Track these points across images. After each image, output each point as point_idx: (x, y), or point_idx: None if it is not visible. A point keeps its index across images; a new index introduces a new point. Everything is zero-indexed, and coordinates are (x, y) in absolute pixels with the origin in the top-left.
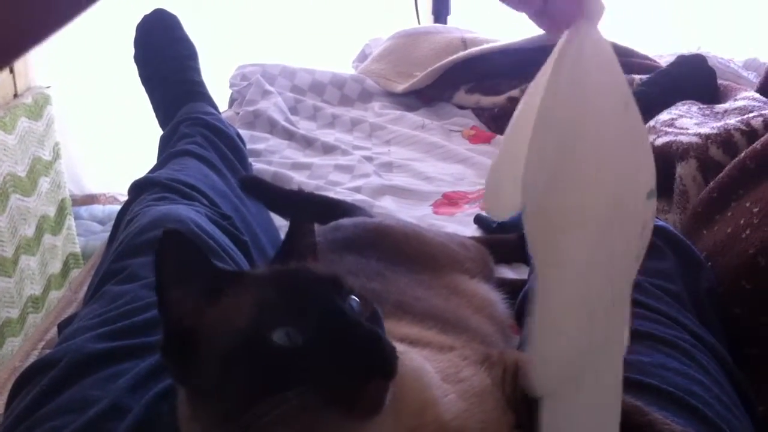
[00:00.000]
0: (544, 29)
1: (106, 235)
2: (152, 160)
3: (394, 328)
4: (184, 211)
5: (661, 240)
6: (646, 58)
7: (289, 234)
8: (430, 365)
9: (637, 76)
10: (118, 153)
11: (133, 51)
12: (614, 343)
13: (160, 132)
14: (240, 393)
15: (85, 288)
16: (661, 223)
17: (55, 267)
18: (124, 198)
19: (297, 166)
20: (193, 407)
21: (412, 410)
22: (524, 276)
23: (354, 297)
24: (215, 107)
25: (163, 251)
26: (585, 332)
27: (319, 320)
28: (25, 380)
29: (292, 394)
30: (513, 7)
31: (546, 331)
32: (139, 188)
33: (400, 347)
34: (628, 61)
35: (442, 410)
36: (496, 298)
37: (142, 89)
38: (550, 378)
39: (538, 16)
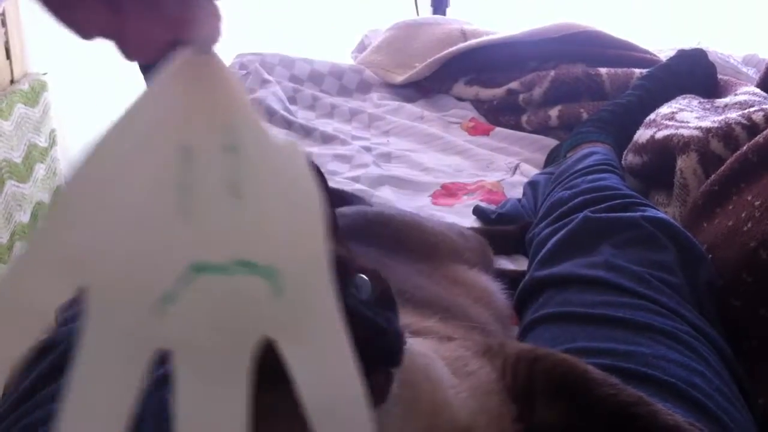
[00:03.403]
0: (127, 58)
1: None
2: None
3: None
4: None
5: (661, 232)
6: (647, 52)
7: None
8: (438, 357)
9: (637, 70)
10: None
11: None
12: None
13: None
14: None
15: None
16: (661, 215)
17: None
18: None
19: None
20: None
21: (426, 410)
22: (523, 267)
23: (363, 276)
24: None
25: None
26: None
27: None
28: (22, 363)
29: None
30: (72, 29)
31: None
32: None
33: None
34: (629, 55)
35: (455, 411)
36: (495, 289)
37: (140, 76)
38: None
39: (117, 41)
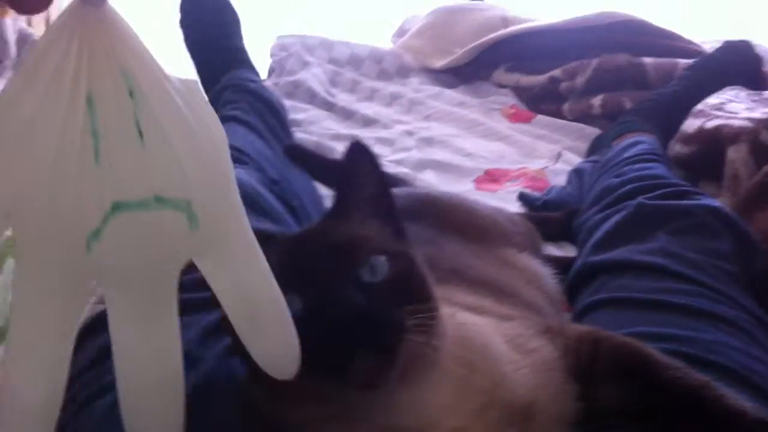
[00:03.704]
0: (18, 12)
1: None
2: None
3: (453, 295)
4: (238, 172)
5: (716, 221)
6: (690, 43)
7: (339, 184)
8: (498, 335)
9: (682, 61)
10: None
11: (179, 16)
12: None
13: None
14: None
15: None
16: (716, 204)
17: None
18: None
19: (338, 138)
20: None
21: (483, 386)
22: (570, 254)
23: (380, 257)
24: (257, 75)
25: None
26: None
27: (310, 294)
28: (88, 331)
29: None
30: None
31: None
32: None
33: (463, 315)
34: (672, 45)
35: (514, 386)
36: (545, 273)
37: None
38: None
39: None
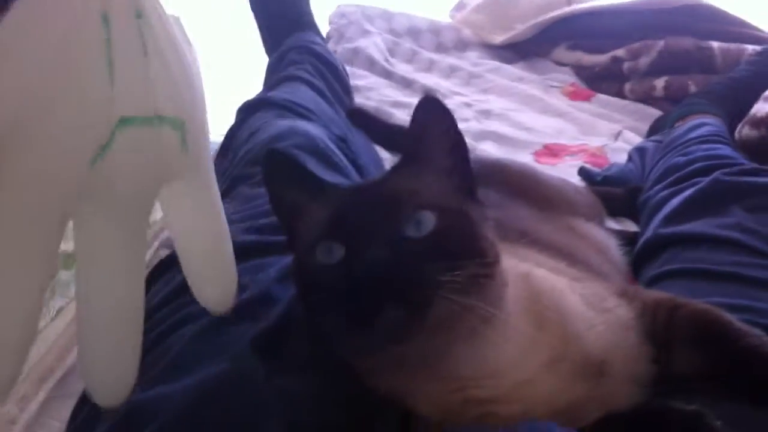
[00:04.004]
0: None
1: None
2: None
3: (527, 254)
4: (310, 127)
5: None
6: (757, 29)
7: (406, 138)
8: (572, 293)
9: (749, 47)
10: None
11: None
12: None
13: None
14: (303, 300)
15: None
16: None
17: None
18: None
19: (397, 105)
20: None
21: (551, 343)
22: (629, 230)
23: (427, 212)
24: (322, 38)
25: (269, 165)
26: None
27: (351, 244)
28: (164, 267)
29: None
30: None
31: None
32: (253, 107)
33: (538, 271)
34: (739, 31)
35: (585, 343)
36: (612, 244)
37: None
38: None
39: None
